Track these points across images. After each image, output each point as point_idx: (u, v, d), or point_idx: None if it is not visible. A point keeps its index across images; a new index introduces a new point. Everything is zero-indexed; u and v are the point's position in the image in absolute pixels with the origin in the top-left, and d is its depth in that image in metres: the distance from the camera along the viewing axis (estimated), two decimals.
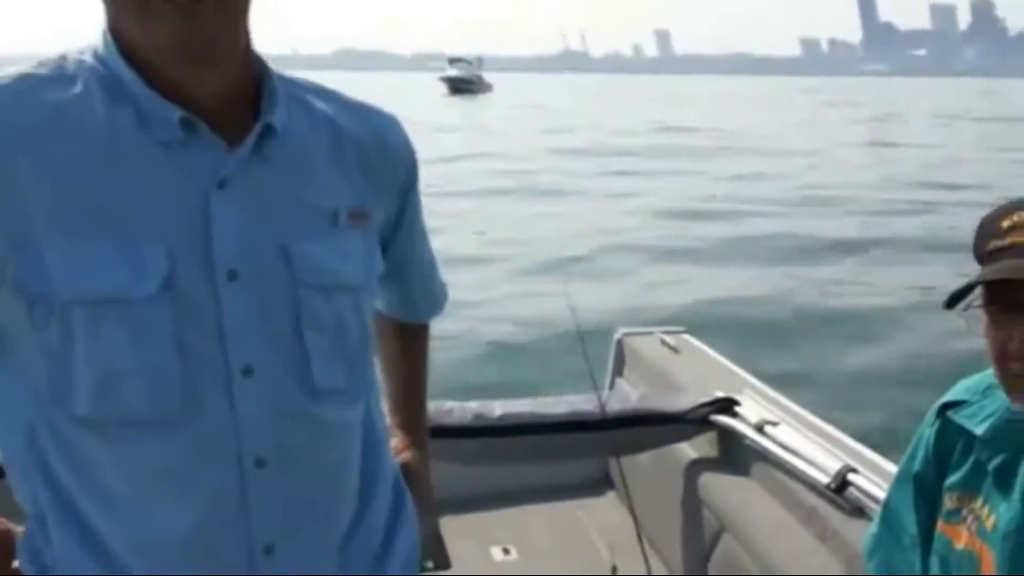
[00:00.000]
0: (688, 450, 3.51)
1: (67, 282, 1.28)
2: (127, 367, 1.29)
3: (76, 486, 1.35)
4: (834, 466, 2.79)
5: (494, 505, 4.10)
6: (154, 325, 1.29)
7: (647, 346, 4.12)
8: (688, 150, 31.99)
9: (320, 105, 1.48)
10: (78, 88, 1.34)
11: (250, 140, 1.36)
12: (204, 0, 1.28)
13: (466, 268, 11.87)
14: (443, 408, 3.39)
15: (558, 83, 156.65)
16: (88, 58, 1.37)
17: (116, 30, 1.35)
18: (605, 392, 3.61)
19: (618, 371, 4.22)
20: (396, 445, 1.83)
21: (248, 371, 1.34)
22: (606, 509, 3.96)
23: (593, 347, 3.72)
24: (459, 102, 72.06)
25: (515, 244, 14.69)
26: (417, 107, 52.29)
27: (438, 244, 1.79)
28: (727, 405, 3.35)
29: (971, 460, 1.59)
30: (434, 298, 1.86)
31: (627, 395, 3.72)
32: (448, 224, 14.58)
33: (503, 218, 17.57)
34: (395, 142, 1.55)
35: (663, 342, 4.06)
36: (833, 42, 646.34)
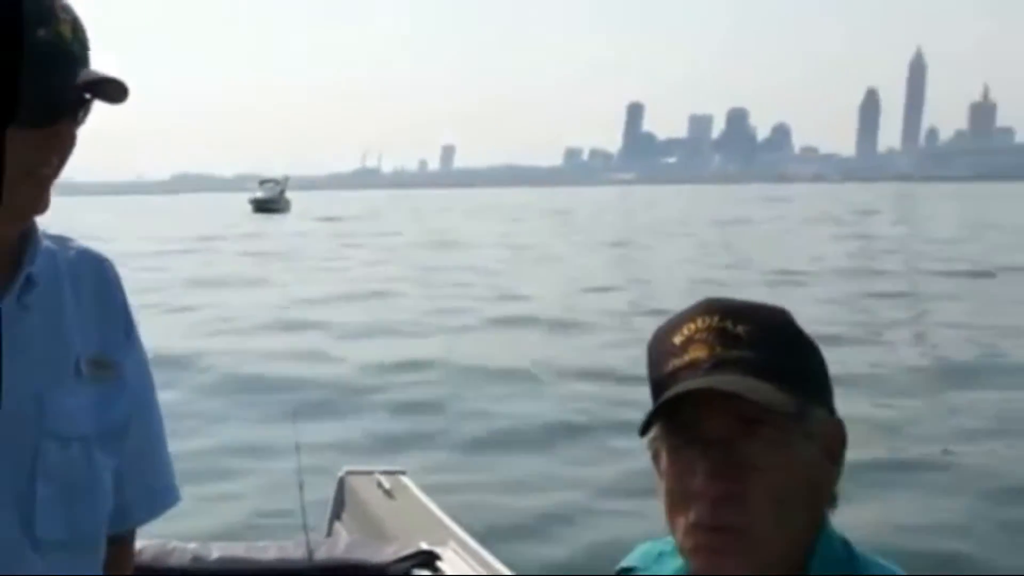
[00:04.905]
0: None
1: None
2: None
3: None
4: None
5: None
6: None
7: (366, 488, 4.20)
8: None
9: (58, 251, 1.53)
10: None
11: (15, 290, 1.44)
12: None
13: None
14: (166, 548, 3.50)
15: (347, 199, 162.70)
16: None
17: None
18: (318, 537, 3.78)
19: (337, 514, 4.28)
20: None
21: None
22: None
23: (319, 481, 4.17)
24: (256, 220, 76.27)
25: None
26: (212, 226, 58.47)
27: None
28: (428, 559, 3.41)
29: None
30: (150, 495, 1.61)
31: (338, 543, 3.78)
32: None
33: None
34: (115, 286, 1.58)
35: (380, 484, 4.17)
36: (594, 152, 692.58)
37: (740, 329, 1.29)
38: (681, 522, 1.29)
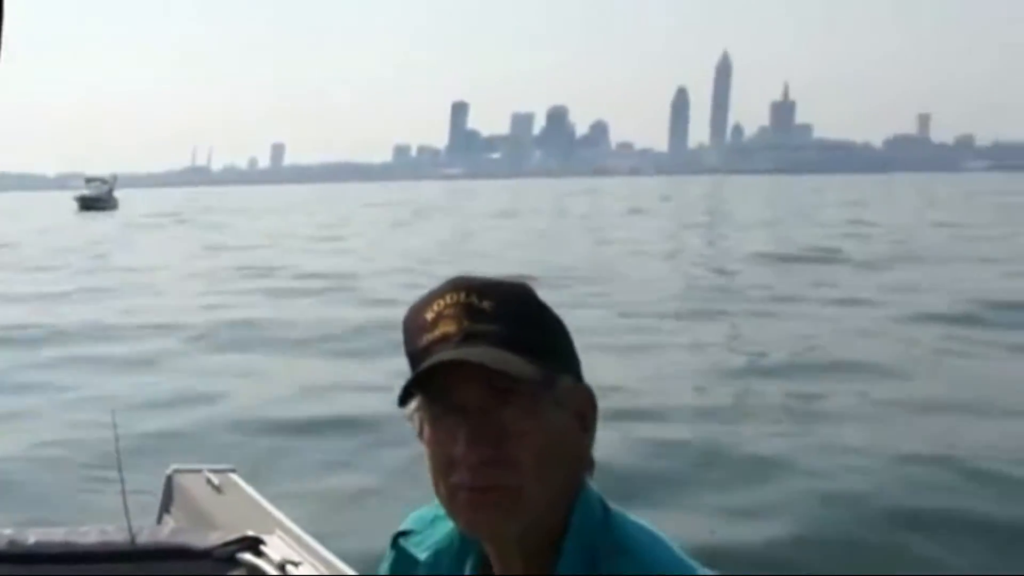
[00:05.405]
0: None
1: None
2: None
3: None
4: None
5: None
6: None
7: (194, 484, 4.22)
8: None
9: None
10: None
11: None
12: None
13: None
14: None
15: (174, 196, 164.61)
16: None
17: None
18: (143, 524, 3.73)
19: (165, 508, 4.27)
20: None
21: None
22: None
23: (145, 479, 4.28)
24: (81, 218, 75.27)
25: None
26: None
27: None
28: (253, 544, 3.50)
29: None
30: None
31: (163, 529, 3.81)
32: None
33: None
34: None
35: (208, 481, 4.18)
36: (422, 148, 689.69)
37: (486, 304, 1.36)
38: (445, 486, 1.36)
